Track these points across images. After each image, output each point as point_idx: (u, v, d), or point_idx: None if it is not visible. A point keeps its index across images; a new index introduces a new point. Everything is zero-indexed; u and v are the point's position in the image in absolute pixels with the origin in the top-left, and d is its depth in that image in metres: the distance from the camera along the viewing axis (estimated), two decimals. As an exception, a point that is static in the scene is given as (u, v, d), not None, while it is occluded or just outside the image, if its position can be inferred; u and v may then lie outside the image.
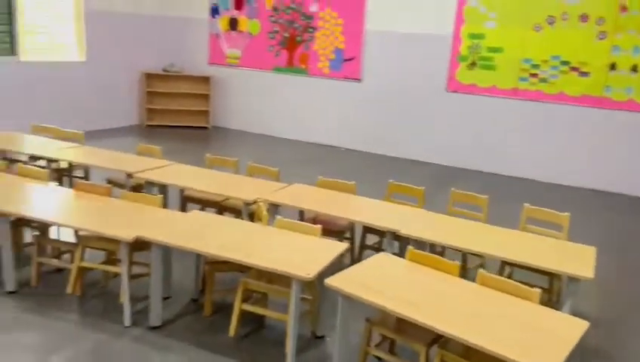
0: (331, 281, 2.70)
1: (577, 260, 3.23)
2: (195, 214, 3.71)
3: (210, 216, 3.75)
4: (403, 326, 2.76)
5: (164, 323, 3.32)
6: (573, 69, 7.10)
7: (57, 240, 4.09)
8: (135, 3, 9.17)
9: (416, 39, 8.01)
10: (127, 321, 3.29)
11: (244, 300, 3.25)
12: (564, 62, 7.13)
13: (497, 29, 7.48)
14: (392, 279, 2.85)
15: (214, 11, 9.59)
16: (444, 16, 7.76)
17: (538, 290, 2.62)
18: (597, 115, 7.06)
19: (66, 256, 3.98)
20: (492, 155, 7.75)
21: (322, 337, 3.31)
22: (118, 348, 3.09)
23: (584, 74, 7.05)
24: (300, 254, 3.09)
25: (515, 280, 2.99)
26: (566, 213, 3.90)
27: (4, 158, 5.02)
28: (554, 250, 3.45)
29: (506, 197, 6.26)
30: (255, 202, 3.79)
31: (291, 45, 9.04)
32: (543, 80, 7.29)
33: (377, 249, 4.26)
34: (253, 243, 3.21)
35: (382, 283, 2.79)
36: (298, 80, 9.07)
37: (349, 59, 8.61)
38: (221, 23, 9.56)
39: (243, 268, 3.16)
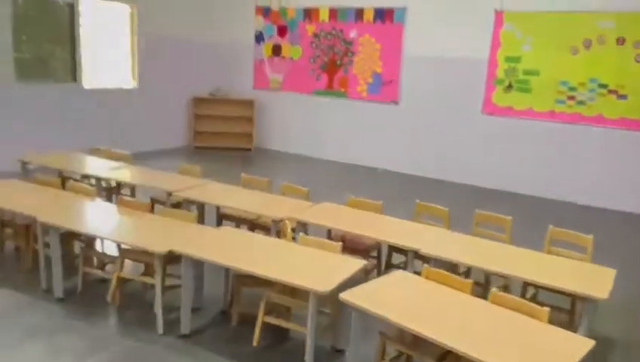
0: (346, 296, 2.80)
1: (596, 282, 3.20)
2: (225, 230, 3.89)
3: (238, 232, 3.93)
4: (416, 340, 2.82)
5: (193, 332, 3.49)
6: (611, 91, 6.96)
7: (101, 252, 4.36)
8: (184, 31, 9.63)
9: (452, 63, 8.06)
10: (159, 329, 3.48)
11: (269, 313, 3.38)
12: (602, 85, 7.00)
13: (533, 52, 7.43)
14: (405, 295, 2.92)
15: (259, 38, 9.95)
16: (480, 41, 7.78)
17: (547, 309, 2.63)
18: (635, 138, 6.87)
19: (110, 267, 4.23)
20: (527, 177, 7.64)
21: (342, 351, 3.40)
22: (150, 353, 3.27)
23: (622, 96, 6.90)
24: (320, 270, 3.20)
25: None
26: (590, 236, 3.85)
27: (60, 176, 5.38)
28: (575, 271, 3.43)
29: (538, 218, 6.17)
30: (282, 220, 3.94)
31: (331, 69, 9.27)
32: (581, 102, 7.17)
33: (403, 268, 4.31)
34: (277, 259, 3.35)
35: (395, 298, 2.87)
36: (338, 103, 9.25)
37: (387, 83, 8.75)
38: (265, 49, 9.90)
39: (268, 283, 3.30)
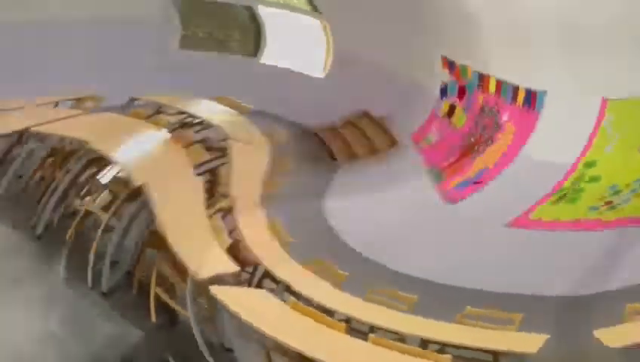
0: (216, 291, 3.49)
1: (523, 341, 3.23)
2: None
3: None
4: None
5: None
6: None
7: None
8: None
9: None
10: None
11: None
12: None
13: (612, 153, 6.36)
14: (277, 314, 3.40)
15: (443, 92, 8.85)
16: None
17: (449, 357, 2.97)
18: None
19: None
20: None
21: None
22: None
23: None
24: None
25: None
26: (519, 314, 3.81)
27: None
28: (497, 335, 3.47)
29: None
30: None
31: (466, 152, 8.00)
32: (613, 207, 6.14)
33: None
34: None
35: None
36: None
37: (478, 183, 7.45)
38: (444, 106, 8.79)
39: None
